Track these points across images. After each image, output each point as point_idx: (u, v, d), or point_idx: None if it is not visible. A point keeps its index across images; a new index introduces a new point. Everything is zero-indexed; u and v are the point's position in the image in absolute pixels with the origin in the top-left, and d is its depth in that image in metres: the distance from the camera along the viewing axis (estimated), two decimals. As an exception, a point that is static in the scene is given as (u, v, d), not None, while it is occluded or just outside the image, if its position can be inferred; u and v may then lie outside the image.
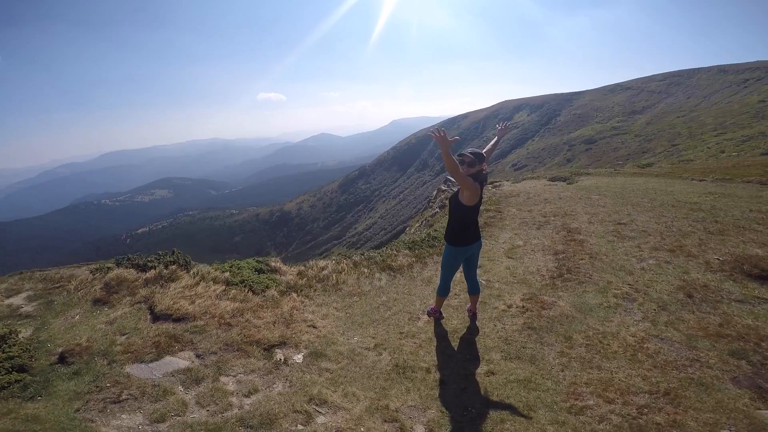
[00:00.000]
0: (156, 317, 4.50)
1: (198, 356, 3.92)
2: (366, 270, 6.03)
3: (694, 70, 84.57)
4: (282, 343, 4.22)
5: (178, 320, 4.44)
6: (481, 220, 8.54)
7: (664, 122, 63.12)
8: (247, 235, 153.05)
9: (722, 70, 75.92)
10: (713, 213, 8.06)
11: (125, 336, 4.17)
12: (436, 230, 7.98)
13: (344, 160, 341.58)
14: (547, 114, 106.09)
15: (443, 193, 18.60)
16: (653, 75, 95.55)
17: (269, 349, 4.11)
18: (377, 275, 5.87)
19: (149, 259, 5.68)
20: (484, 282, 5.49)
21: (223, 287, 5.21)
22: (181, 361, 3.83)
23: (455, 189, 19.78)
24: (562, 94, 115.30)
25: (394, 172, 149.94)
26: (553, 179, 15.68)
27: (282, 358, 3.95)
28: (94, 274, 5.68)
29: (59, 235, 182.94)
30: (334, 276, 5.81)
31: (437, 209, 16.56)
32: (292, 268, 6.29)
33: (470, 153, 3.96)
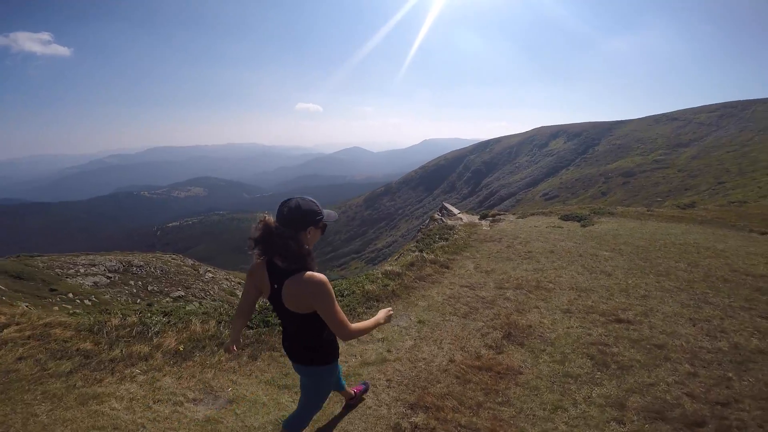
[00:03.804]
0: None
1: None
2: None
3: (749, 101, 77.52)
4: None
5: None
6: (410, 276, 5.67)
7: (711, 157, 57.38)
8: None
9: (781, 101, 69.39)
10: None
11: None
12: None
13: (373, 175, 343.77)
14: (585, 143, 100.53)
15: (434, 222, 15.70)
16: (704, 105, 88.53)
17: None
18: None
19: None
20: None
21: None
22: None
23: (446, 221, 15.99)
24: (602, 123, 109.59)
25: (420, 192, 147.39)
26: (565, 217, 13.15)
27: None
28: None
29: (98, 221, 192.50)
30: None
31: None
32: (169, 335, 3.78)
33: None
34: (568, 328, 4.16)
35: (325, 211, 2.08)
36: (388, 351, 3.90)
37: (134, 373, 3.36)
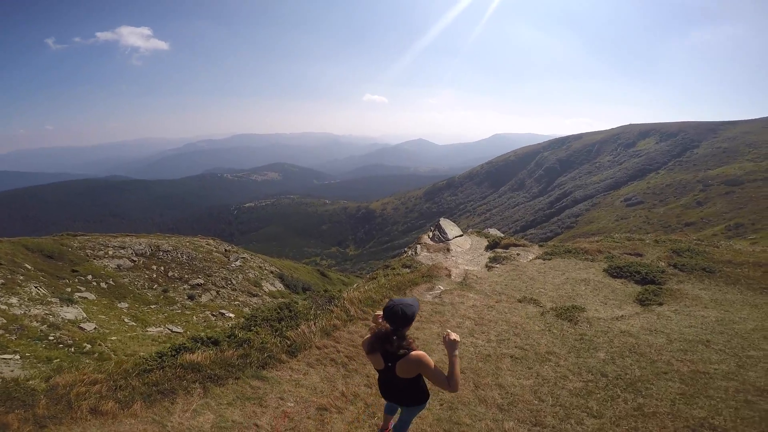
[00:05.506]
0: None
1: None
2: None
3: None
4: None
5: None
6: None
7: None
8: (333, 225, 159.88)
9: None
10: None
11: None
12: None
13: (437, 168, 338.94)
14: (681, 144, 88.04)
15: (418, 245, 13.18)
16: None
17: None
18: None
19: None
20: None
21: None
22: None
23: (441, 237, 13.39)
24: (705, 123, 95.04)
25: (485, 188, 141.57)
26: (618, 271, 8.73)
27: None
28: None
29: (185, 198, 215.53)
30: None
31: (396, 265, 11.34)
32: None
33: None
34: None
35: (416, 305, 2.94)
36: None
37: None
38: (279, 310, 5.86)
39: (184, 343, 4.87)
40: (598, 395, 4.48)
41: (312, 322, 5.58)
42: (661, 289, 7.71)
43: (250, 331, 5.23)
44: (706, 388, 4.49)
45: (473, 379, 4.80)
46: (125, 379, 4.28)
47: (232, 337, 5.04)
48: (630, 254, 10.55)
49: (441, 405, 4.34)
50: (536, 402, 4.39)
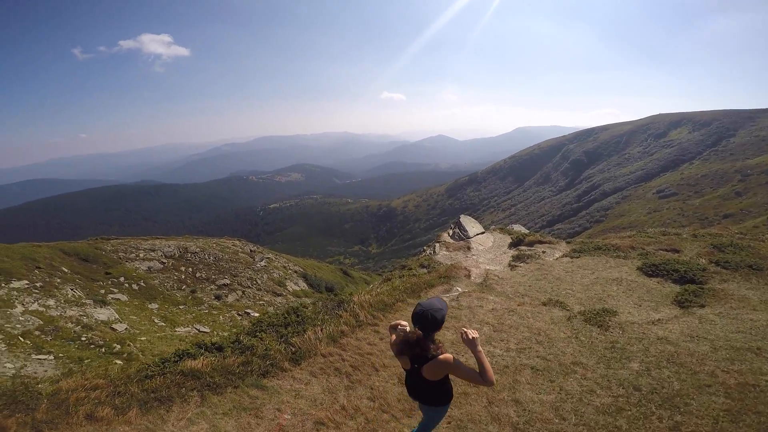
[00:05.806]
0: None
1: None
2: None
3: None
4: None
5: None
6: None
7: None
8: (355, 224, 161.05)
9: None
10: None
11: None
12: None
13: (458, 164, 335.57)
14: (716, 133, 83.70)
15: (437, 244, 12.88)
16: None
17: None
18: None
19: None
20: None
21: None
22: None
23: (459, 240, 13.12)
24: (740, 111, 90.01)
25: (509, 183, 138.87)
26: (653, 269, 8.08)
27: None
28: None
29: (212, 201, 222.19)
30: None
31: (414, 266, 11.05)
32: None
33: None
34: None
35: (445, 308, 2.96)
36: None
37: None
38: (286, 315, 5.77)
39: (188, 349, 4.93)
40: (629, 412, 4.06)
41: (319, 327, 5.45)
42: (702, 289, 6.97)
43: (255, 336, 5.17)
44: (755, 404, 4.01)
45: (487, 393, 4.47)
46: (125, 384, 4.34)
47: (237, 343, 5.01)
48: (666, 250, 9.88)
49: (449, 423, 4.04)
50: (557, 420, 4.04)
